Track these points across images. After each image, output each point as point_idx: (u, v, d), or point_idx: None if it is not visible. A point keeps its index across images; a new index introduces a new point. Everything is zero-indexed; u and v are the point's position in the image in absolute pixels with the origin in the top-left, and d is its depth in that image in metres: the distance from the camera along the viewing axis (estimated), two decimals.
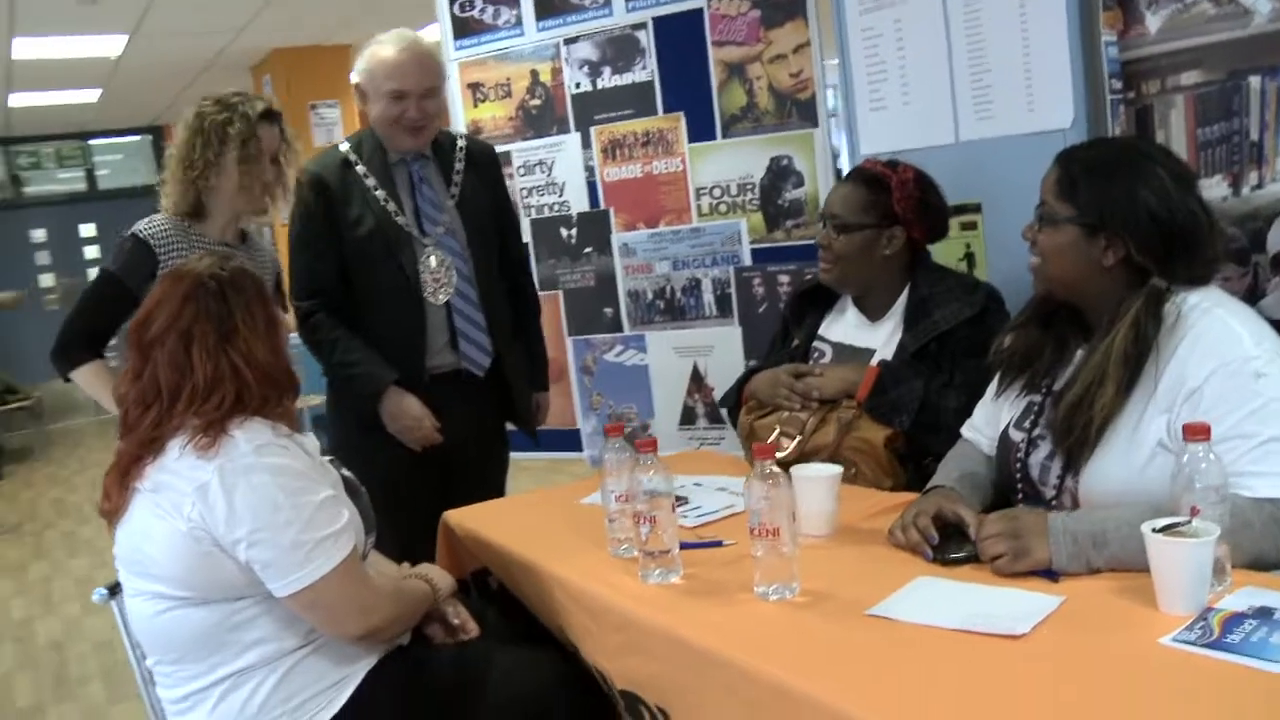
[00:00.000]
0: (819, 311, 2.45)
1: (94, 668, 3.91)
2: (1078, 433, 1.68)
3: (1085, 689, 1.21)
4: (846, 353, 2.35)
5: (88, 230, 12.17)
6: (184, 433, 1.65)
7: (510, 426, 2.88)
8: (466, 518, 2.21)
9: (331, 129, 7.97)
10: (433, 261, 2.59)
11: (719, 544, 1.84)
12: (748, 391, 2.39)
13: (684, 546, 1.80)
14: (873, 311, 2.34)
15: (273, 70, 7.91)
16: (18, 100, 8.65)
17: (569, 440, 3.59)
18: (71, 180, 12.01)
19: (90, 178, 12.06)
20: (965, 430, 1.99)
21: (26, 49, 6.94)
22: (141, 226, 2.47)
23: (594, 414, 3.53)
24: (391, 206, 2.57)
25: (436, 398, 2.58)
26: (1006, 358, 1.88)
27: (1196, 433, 1.39)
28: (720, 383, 3.17)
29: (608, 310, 3.45)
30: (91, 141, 11.84)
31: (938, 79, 2.56)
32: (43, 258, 12.25)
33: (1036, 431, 1.79)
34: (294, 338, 2.38)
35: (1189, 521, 1.36)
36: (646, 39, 3.25)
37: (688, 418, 3.38)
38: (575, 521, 2.05)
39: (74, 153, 11.90)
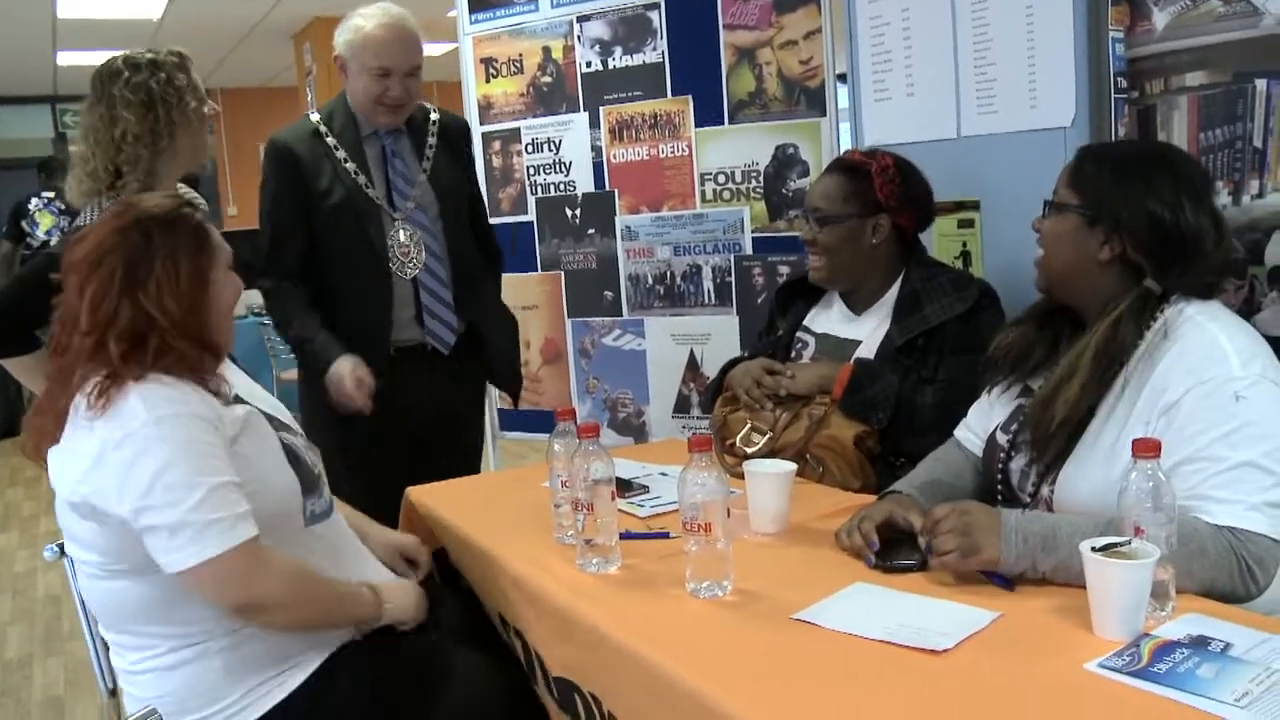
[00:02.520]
0: (806, 302, 2.39)
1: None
2: (1044, 428, 1.63)
3: (994, 710, 1.15)
4: (831, 344, 2.29)
5: None
6: (88, 383, 1.53)
7: (505, 406, 2.83)
8: (427, 495, 2.18)
9: None
10: (401, 236, 2.56)
11: (665, 535, 1.79)
12: (727, 383, 2.33)
13: (630, 536, 1.77)
14: (859, 305, 2.28)
15: (312, 39, 7.91)
16: (65, 59, 8.72)
17: None
18: None
19: None
20: (958, 430, 1.94)
21: (71, 8, 6.99)
22: None
23: (590, 397, 3.48)
24: (362, 179, 2.54)
25: (401, 372, 2.56)
26: (1000, 356, 1.83)
27: (1146, 449, 1.32)
28: (715, 372, 3.11)
29: (608, 293, 3.40)
30: None
31: (942, 71, 2.47)
32: None
33: (1021, 436, 1.73)
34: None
35: (1129, 542, 1.29)
36: (659, 19, 3.19)
37: (682, 406, 3.32)
38: (532, 505, 1.99)
39: None
